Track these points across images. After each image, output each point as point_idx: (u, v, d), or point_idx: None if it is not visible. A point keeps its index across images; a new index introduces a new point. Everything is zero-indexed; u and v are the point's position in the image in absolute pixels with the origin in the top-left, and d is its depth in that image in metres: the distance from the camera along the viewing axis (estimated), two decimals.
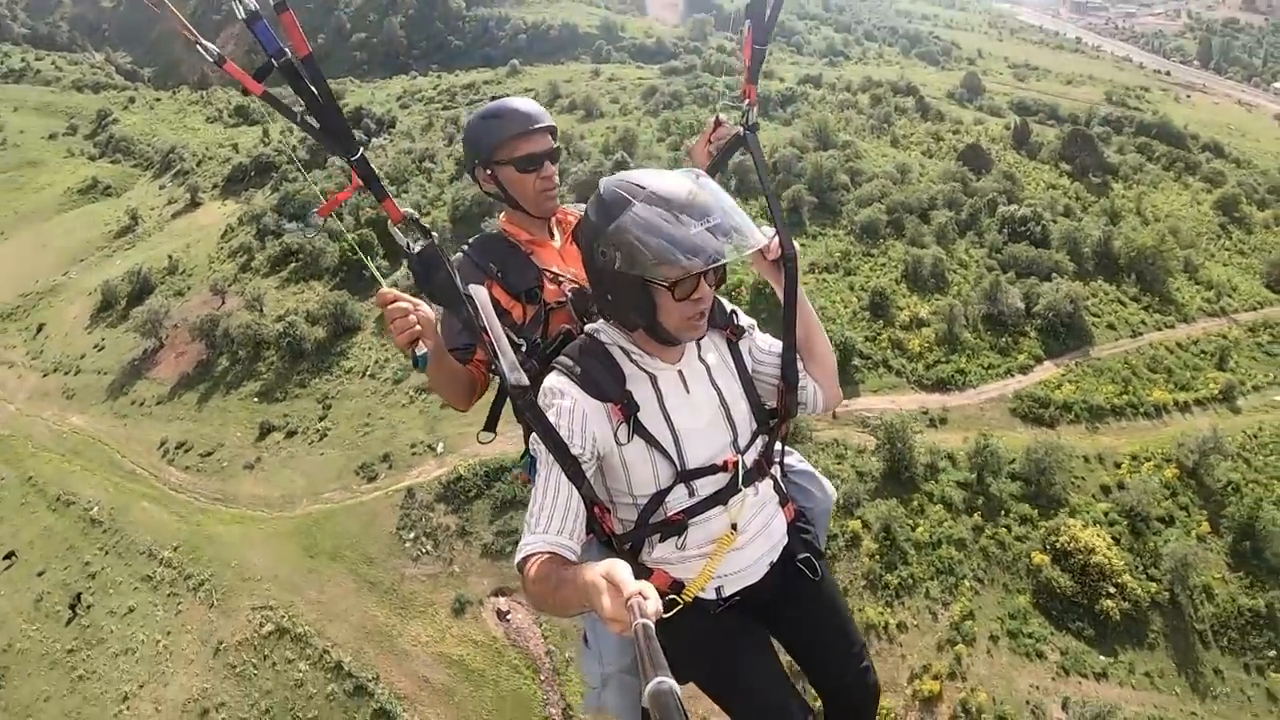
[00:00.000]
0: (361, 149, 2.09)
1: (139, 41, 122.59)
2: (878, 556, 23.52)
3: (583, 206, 2.56)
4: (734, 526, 2.32)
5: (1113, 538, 24.21)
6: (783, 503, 2.57)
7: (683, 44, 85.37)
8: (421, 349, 2.21)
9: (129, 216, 57.46)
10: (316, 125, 2.02)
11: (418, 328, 2.18)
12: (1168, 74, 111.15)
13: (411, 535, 25.13)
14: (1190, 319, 36.71)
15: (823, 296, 34.28)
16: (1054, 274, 35.89)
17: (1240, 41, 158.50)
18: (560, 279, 2.67)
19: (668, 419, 2.22)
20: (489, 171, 2.74)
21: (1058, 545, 23.68)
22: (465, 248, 2.75)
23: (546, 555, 1.93)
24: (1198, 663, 22.39)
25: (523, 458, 2.60)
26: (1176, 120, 67.50)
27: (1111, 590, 22.73)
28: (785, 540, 2.56)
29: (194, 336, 37.55)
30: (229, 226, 49.66)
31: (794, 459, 2.77)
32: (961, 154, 49.83)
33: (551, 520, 2.00)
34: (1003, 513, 25.10)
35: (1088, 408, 29.83)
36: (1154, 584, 23.38)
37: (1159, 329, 35.34)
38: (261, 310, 38.38)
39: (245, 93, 2.04)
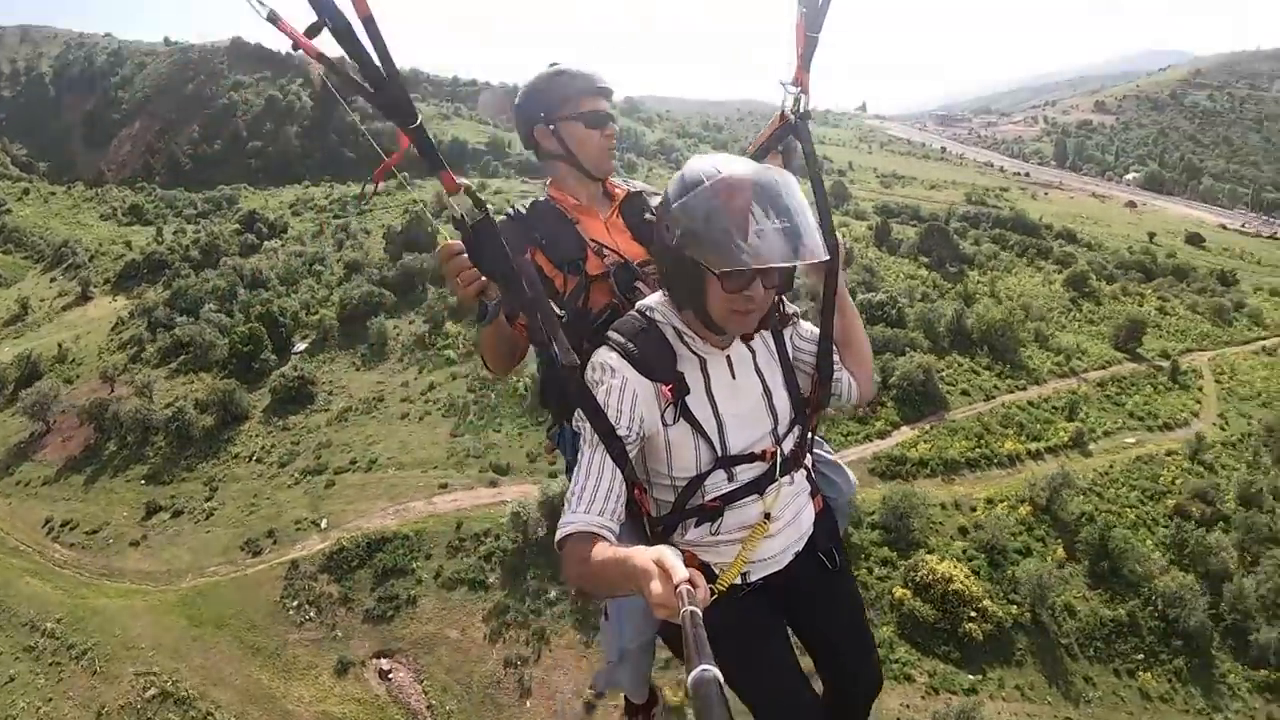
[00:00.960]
0: (420, 118, 2.09)
1: (36, 134, 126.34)
2: None
3: (631, 181, 2.94)
4: (767, 515, 2.36)
5: (972, 570, 26.92)
6: (812, 494, 2.63)
7: None
8: (490, 299, 2.30)
9: (18, 305, 60.18)
10: (373, 91, 1.98)
11: (482, 280, 2.25)
12: (1027, 175, 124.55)
13: (295, 603, 26.55)
14: (1041, 381, 41.62)
15: None
16: (909, 349, 40.03)
17: (1094, 140, 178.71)
18: (604, 251, 2.69)
19: (713, 403, 2.27)
20: (552, 128, 2.80)
21: (917, 579, 26.17)
22: (510, 211, 2.82)
23: (588, 535, 1.99)
24: (1067, 673, 24.96)
25: (551, 429, 2.84)
26: (1032, 213, 76.81)
27: (973, 615, 25.12)
28: (811, 531, 2.61)
29: (82, 421, 38.92)
30: (120, 319, 51.90)
31: (822, 449, 2.85)
32: None
33: (594, 501, 2.05)
34: (864, 557, 27.51)
35: (943, 462, 33.16)
36: (1015, 607, 26.05)
37: (1011, 391, 39.74)
38: (151, 397, 40.18)
39: (294, 48, 1.98)
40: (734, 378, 2.32)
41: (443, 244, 2.30)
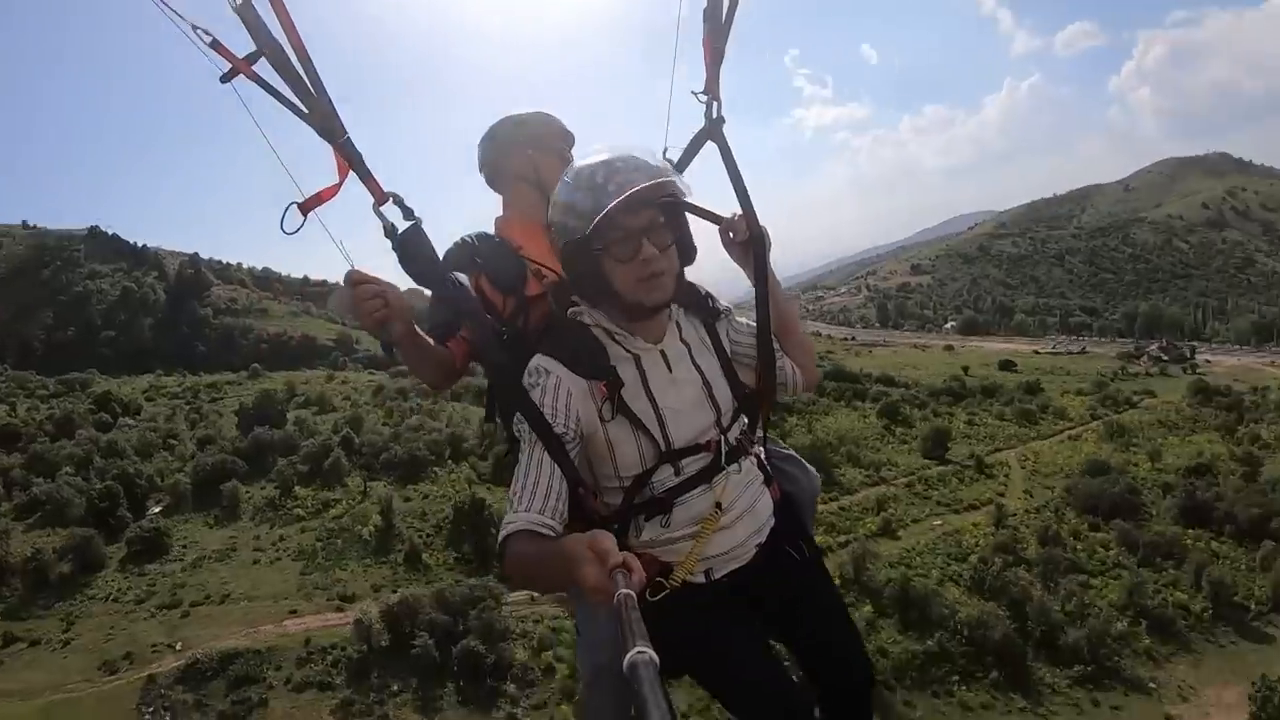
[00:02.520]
0: (347, 134, 2.35)
1: None
2: None
3: None
4: (718, 505, 2.44)
5: None
6: (767, 482, 2.70)
7: None
8: (388, 332, 2.40)
9: None
10: (305, 110, 2.28)
11: (385, 310, 2.36)
12: (853, 338, 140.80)
13: (150, 709, 30.82)
14: (853, 490, 51.09)
15: None
16: None
17: (913, 299, 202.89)
18: (543, 272, 2.87)
19: (651, 398, 2.38)
20: (530, 154, 3.13)
21: None
22: (457, 241, 2.97)
23: (528, 533, 2.06)
24: (885, 704, 30.12)
25: (507, 454, 2.92)
26: (853, 367, 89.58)
27: None
28: (772, 521, 2.68)
29: None
30: None
31: (778, 446, 3.00)
32: None
33: (534, 499, 2.13)
34: None
35: None
36: None
37: (824, 502, 47.32)
38: (8, 546, 42.69)
39: (230, 75, 2.28)
40: (670, 371, 2.44)
41: (349, 270, 2.39)
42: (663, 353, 2.46)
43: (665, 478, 2.41)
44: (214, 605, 38.61)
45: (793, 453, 3.11)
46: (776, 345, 2.67)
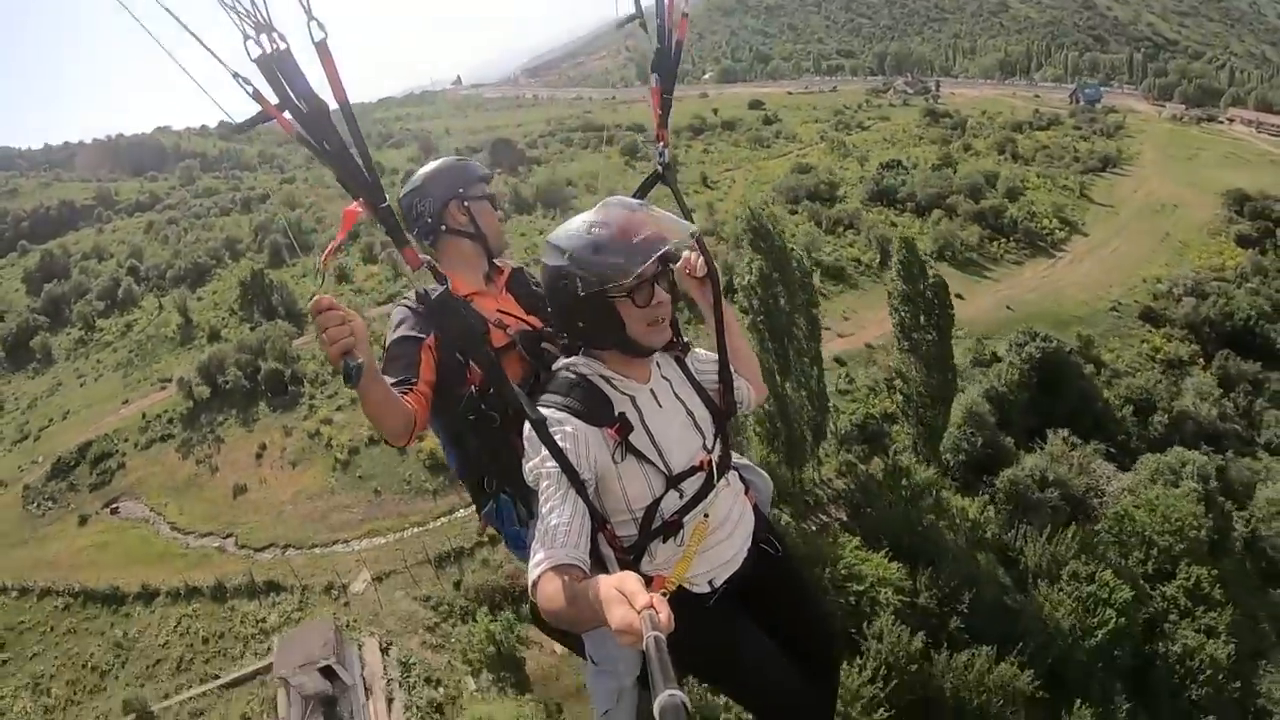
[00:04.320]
0: (387, 199, 2.43)
1: None
2: None
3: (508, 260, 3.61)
4: (705, 515, 2.84)
5: None
6: (745, 491, 3.18)
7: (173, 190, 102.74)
8: (354, 359, 2.36)
9: None
10: (346, 170, 2.34)
11: (351, 338, 2.34)
12: (614, 98, 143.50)
13: (33, 505, 37.38)
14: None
15: None
16: None
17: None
18: (504, 323, 3.11)
19: (649, 434, 2.71)
20: (465, 204, 3.36)
21: None
22: (405, 302, 3.12)
23: (559, 570, 2.22)
24: None
25: (484, 507, 3.23)
26: (605, 120, 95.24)
27: None
28: (754, 524, 3.14)
29: None
30: None
31: (736, 457, 3.23)
32: None
33: (568, 536, 2.33)
34: None
35: None
36: None
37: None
38: None
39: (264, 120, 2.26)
40: (660, 406, 2.78)
41: (315, 298, 2.37)
42: (652, 391, 2.79)
43: (672, 502, 2.76)
44: (58, 424, 45.28)
45: (748, 461, 3.42)
46: (734, 369, 3.05)
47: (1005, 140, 74.56)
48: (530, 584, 2.25)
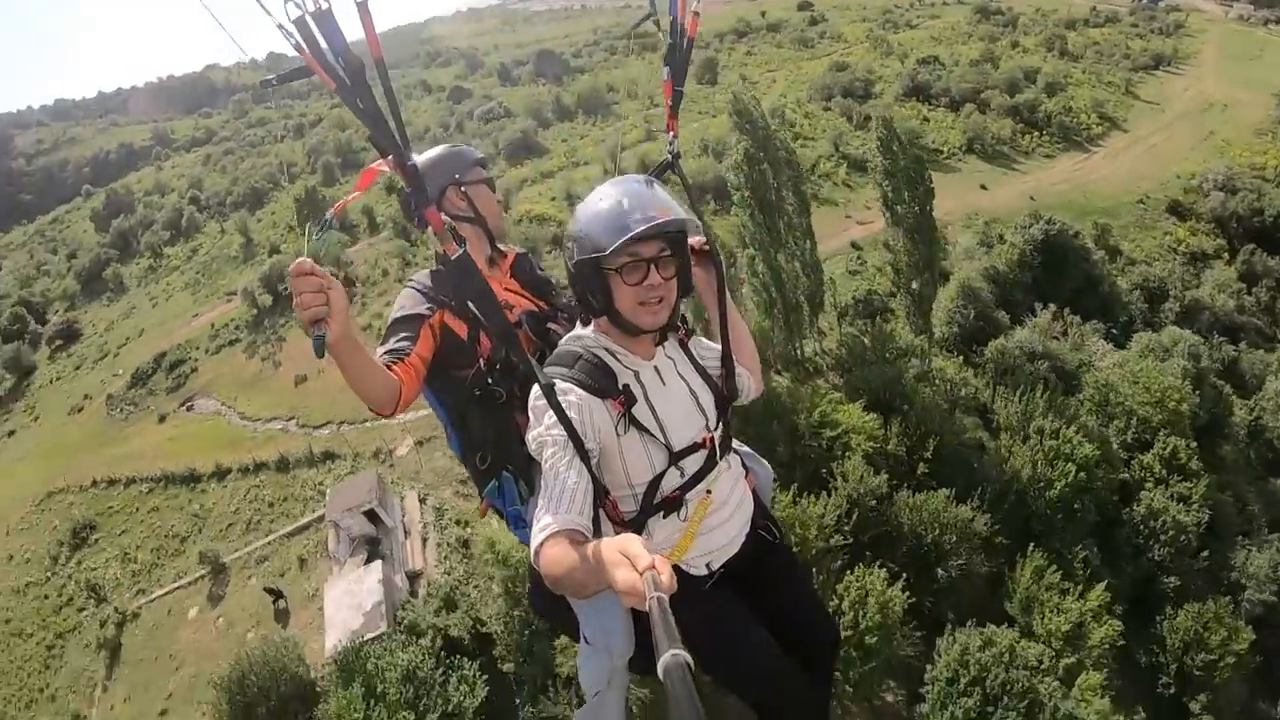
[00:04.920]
0: (429, 197, 2.56)
1: None
2: None
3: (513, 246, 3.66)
4: (709, 492, 2.88)
5: None
6: (745, 474, 3.24)
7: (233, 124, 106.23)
8: (321, 329, 2.32)
9: None
10: (379, 124, 2.39)
11: (323, 307, 2.32)
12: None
13: (116, 410, 41.58)
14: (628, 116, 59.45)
15: None
16: None
17: None
18: (510, 304, 3.21)
19: (653, 409, 2.76)
20: (462, 190, 3.41)
21: None
22: (412, 281, 3.24)
23: (563, 534, 2.23)
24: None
25: (485, 487, 3.26)
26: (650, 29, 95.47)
27: None
28: (752, 509, 3.20)
29: None
30: None
31: (736, 444, 3.26)
32: None
33: (571, 503, 2.34)
34: None
35: None
36: None
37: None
38: None
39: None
40: (664, 384, 2.84)
41: (299, 259, 2.33)
42: (656, 368, 2.85)
43: (673, 479, 2.80)
44: (134, 341, 50.03)
45: (748, 449, 3.48)
46: (735, 359, 3.11)
47: (1055, 37, 73.51)
48: (533, 550, 2.27)
